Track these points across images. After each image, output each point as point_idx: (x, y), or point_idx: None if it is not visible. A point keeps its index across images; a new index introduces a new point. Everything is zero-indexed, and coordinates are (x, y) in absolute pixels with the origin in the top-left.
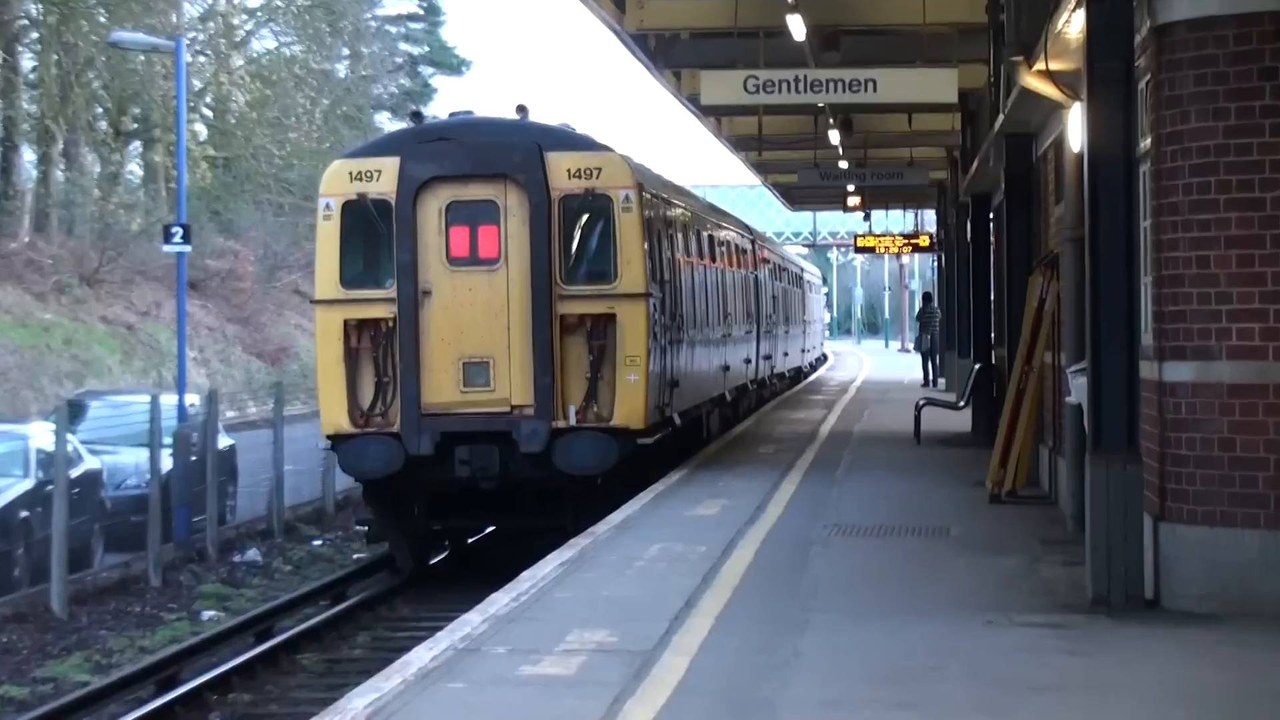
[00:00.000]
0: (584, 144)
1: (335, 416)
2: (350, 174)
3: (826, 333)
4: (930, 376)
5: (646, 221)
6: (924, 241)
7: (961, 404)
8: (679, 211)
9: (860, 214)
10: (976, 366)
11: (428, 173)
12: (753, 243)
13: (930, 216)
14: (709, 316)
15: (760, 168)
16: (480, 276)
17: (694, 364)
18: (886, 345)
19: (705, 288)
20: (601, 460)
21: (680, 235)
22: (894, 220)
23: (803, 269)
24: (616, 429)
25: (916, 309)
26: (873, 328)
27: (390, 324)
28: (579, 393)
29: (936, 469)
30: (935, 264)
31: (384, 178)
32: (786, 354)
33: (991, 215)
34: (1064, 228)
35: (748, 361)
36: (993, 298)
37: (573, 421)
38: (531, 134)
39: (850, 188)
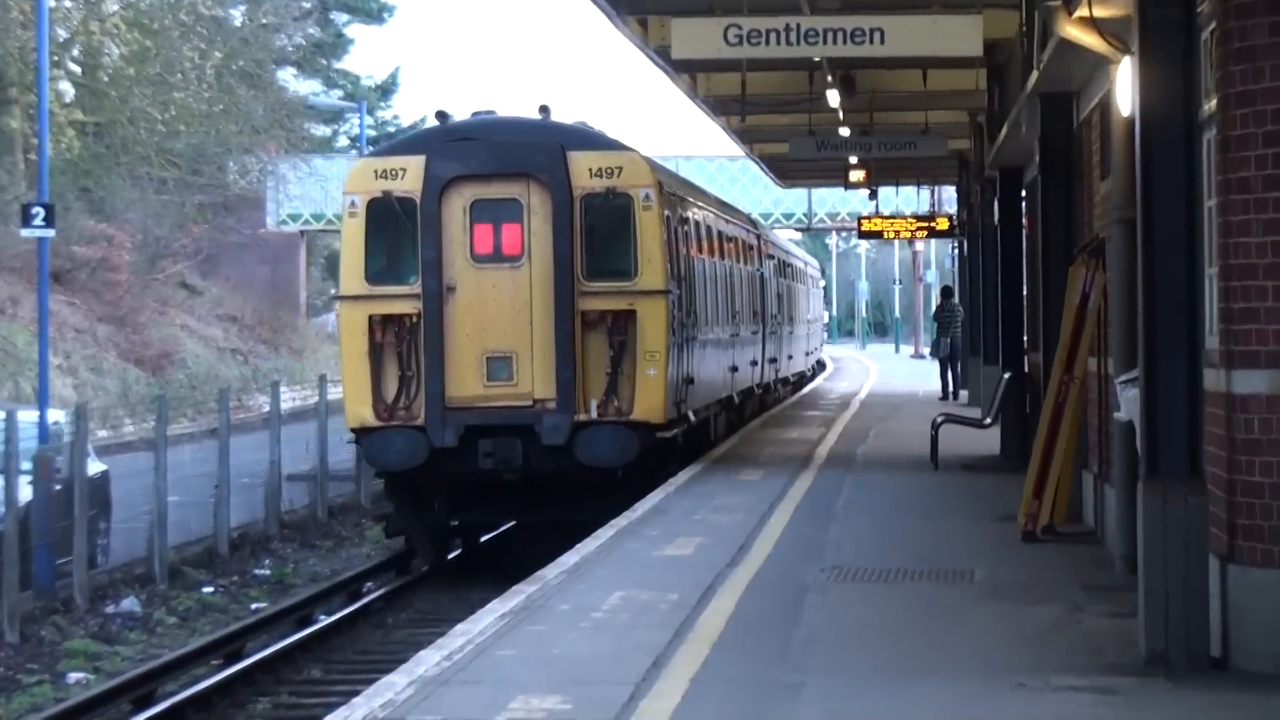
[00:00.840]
0: (605, 143)
1: (360, 410)
2: (375, 172)
3: (825, 335)
4: (950, 388)
5: (665, 219)
6: (942, 224)
7: (988, 421)
8: (692, 208)
9: (865, 191)
10: (1006, 376)
11: (453, 171)
12: (758, 238)
13: (950, 195)
14: (719, 315)
15: (744, 136)
16: (504, 273)
17: (706, 363)
18: (897, 350)
19: (716, 286)
20: (622, 453)
21: (693, 232)
22: (906, 199)
23: (806, 261)
24: (636, 422)
25: (933, 306)
26: (880, 329)
27: (414, 319)
28: (600, 387)
29: (957, 499)
30: (956, 252)
31: (409, 176)
32: (791, 357)
33: (1024, 193)
34: (1111, 208)
35: (754, 364)
36: (1026, 292)
37: (594, 415)
38: (554, 134)
39: (853, 160)
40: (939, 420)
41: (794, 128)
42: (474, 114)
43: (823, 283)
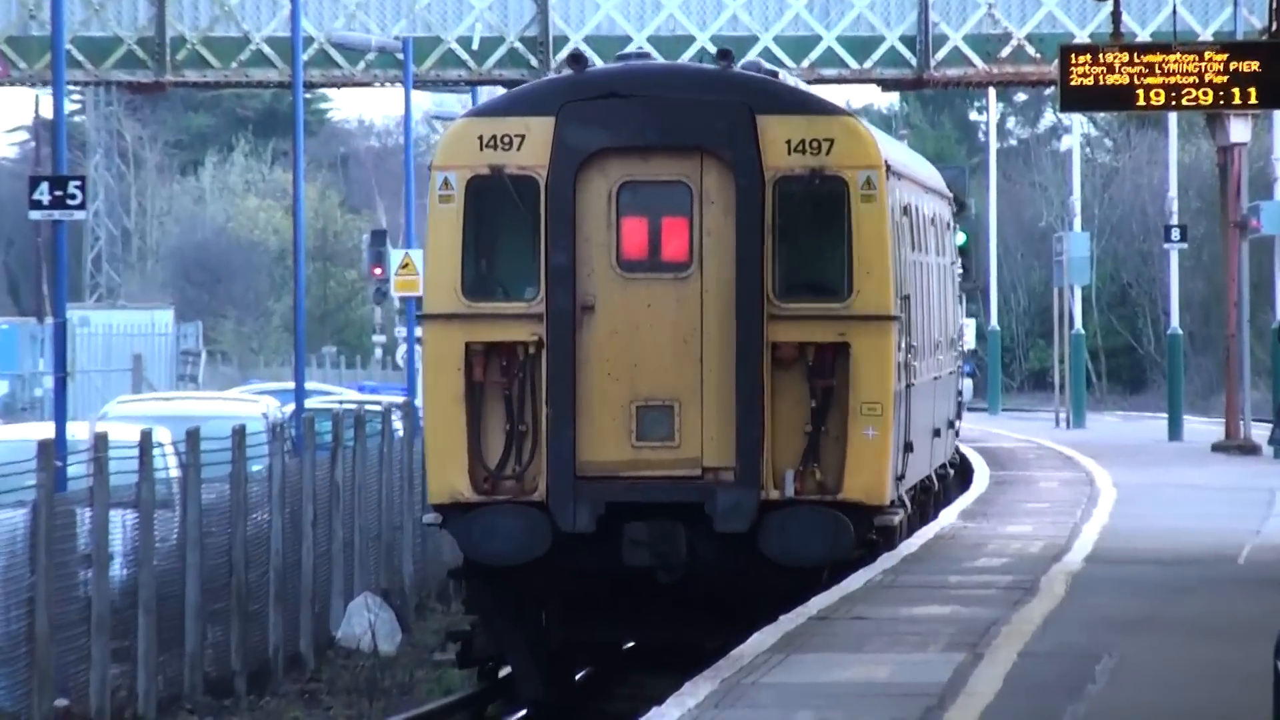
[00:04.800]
0: (810, 104)
1: (450, 478)
2: (481, 139)
3: (969, 384)
4: None
5: (890, 213)
6: None
7: None
8: (907, 184)
9: None
10: None
11: (594, 142)
12: (950, 204)
13: None
14: (927, 347)
15: None
16: (664, 287)
17: (919, 421)
18: (1176, 430)
19: (926, 301)
20: (829, 547)
21: (908, 224)
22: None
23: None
24: (848, 504)
25: None
26: (1127, 372)
27: (533, 350)
28: (796, 452)
29: None
30: None
31: (529, 145)
32: (962, 404)
33: None
34: None
35: (950, 426)
36: None
37: (788, 492)
38: (738, 89)
39: None
40: None
41: None
42: (619, 57)
43: (960, 237)
